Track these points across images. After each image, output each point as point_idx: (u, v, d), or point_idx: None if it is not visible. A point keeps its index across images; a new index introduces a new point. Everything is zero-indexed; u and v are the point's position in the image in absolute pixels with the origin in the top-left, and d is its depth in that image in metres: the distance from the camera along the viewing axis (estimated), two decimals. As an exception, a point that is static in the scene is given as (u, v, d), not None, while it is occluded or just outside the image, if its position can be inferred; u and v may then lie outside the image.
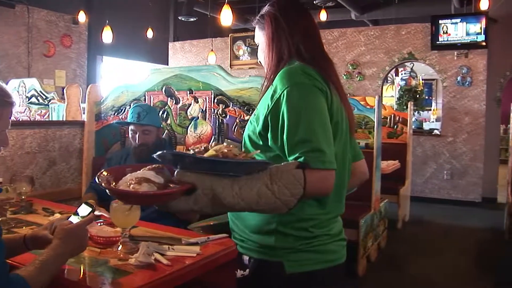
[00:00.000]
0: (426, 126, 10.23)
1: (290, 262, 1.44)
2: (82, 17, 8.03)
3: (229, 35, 10.00)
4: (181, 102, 3.25)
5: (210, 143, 1.40)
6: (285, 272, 1.44)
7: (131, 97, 3.45)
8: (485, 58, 7.76)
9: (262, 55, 1.61)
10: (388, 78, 10.21)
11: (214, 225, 1.83)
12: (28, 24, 8.42)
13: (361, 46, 8.71)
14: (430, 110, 11.85)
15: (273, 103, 1.41)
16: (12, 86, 5.45)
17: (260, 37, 1.61)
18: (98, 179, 1.36)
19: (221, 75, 3.08)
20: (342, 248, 1.55)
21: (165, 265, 1.73)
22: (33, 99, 5.36)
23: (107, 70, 10.30)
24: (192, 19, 9.51)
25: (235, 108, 3.02)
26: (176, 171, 1.28)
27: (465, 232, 6.26)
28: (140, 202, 1.57)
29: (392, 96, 11.25)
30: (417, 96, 10.00)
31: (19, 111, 5.37)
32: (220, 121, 3.08)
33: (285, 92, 1.38)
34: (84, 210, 1.64)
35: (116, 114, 3.52)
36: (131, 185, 1.29)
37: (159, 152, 1.32)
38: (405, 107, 9.05)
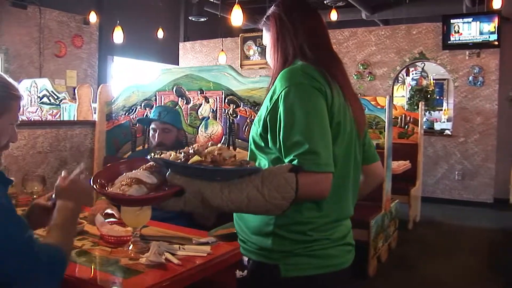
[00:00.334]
0: (437, 126, 10.15)
1: (286, 265, 1.41)
2: (93, 17, 8.07)
3: (240, 35, 10.01)
4: (191, 102, 3.25)
5: (207, 144, 1.38)
6: (280, 275, 1.41)
7: (142, 97, 3.46)
8: (497, 58, 7.69)
9: (270, 56, 1.60)
10: (399, 78, 10.16)
11: (232, 234, 1.80)
12: (40, 25, 8.48)
13: (372, 46, 8.68)
14: (441, 110, 11.76)
15: (272, 104, 1.39)
16: (24, 86, 5.49)
17: (267, 38, 1.60)
18: (93, 181, 1.38)
19: (232, 75, 3.08)
20: (346, 253, 1.50)
21: (176, 264, 1.73)
22: (45, 99, 5.39)
23: (117, 70, 10.34)
24: (202, 19, 9.52)
25: (245, 108, 3.02)
26: (167, 174, 1.28)
27: (476, 233, 6.21)
28: (129, 205, 1.58)
29: (403, 96, 11.18)
30: (428, 96, 9.94)
31: (30, 111, 5.41)
32: (230, 121, 3.08)
33: (282, 92, 1.37)
34: None
35: (127, 114, 3.53)
36: (122, 187, 1.29)
37: (149, 157, 1.34)
38: (416, 107, 8.99)
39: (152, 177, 1.32)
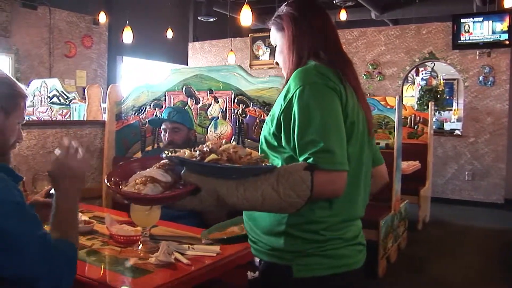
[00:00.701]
0: (447, 126, 10.09)
1: (299, 266, 1.40)
2: (102, 17, 8.10)
3: (249, 35, 10.00)
4: (201, 102, 3.26)
5: (221, 142, 1.36)
6: (293, 276, 1.40)
7: (151, 97, 3.47)
8: (508, 57, 7.63)
9: (281, 56, 1.58)
10: (409, 78, 10.11)
11: (228, 238, 1.79)
12: (50, 25, 8.52)
13: (381, 45, 8.65)
14: (451, 110, 11.69)
15: (286, 102, 1.39)
16: (34, 86, 5.52)
17: (279, 38, 1.58)
18: (107, 179, 1.35)
19: (241, 75, 3.08)
20: (358, 253, 1.50)
21: (185, 264, 1.73)
22: (55, 99, 5.41)
23: (127, 70, 10.38)
24: (211, 19, 9.53)
25: (255, 108, 3.01)
26: (182, 172, 1.27)
27: (486, 234, 6.17)
28: (144, 203, 1.55)
29: (413, 96, 11.13)
30: (438, 96, 9.88)
31: (41, 111, 5.43)
32: (240, 121, 3.08)
33: (297, 91, 1.36)
34: None
35: (136, 114, 3.54)
36: (136, 186, 1.27)
37: (164, 155, 1.32)
38: (425, 107, 8.95)
39: (167, 175, 1.30)
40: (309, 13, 1.54)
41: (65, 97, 5.37)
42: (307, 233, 1.41)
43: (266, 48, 9.72)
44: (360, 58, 8.76)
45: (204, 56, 10.79)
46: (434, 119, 7.49)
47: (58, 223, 1.41)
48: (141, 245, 1.92)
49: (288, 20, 1.54)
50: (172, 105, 3.35)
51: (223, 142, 1.34)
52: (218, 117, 3.18)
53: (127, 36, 7.94)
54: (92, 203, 3.28)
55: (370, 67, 8.67)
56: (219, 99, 3.17)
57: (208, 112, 3.23)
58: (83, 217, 2.34)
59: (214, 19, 9.54)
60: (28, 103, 1.55)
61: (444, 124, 10.13)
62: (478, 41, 7.74)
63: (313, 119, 1.32)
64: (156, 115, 3.40)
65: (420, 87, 10.28)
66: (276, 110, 1.45)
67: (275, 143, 1.45)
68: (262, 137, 1.53)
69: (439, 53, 8.14)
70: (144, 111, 3.50)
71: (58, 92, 5.42)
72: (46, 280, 1.27)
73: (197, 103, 3.27)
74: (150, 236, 1.97)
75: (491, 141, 7.79)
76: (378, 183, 1.72)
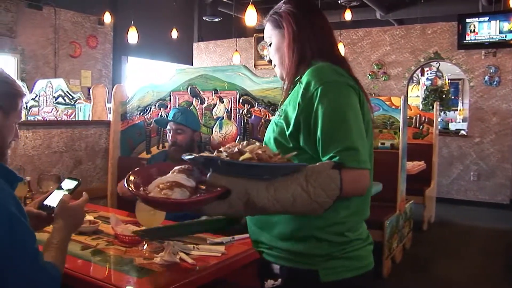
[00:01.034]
0: (452, 126, 10.08)
1: (325, 270, 1.37)
2: (107, 18, 8.11)
3: (254, 35, 9.99)
4: (206, 102, 3.26)
5: (242, 143, 1.32)
6: (320, 281, 1.37)
7: (156, 97, 3.47)
8: (514, 57, 7.62)
9: (277, 54, 1.55)
10: (414, 78, 10.10)
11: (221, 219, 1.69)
12: (55, 26, 8.55)
13: (386, 45, 8.63)
14: (457, 110, 11.68)
15: (305, 102, 1.36)
16: (40, 87, 5.53)
17: (275, 35, 1.55)
18: (128, 184, 1.30)
19: (246, 75, 3.08)
20: (370, 254, 1.49)
21: (190, 264, 1.73)
22: (60, 99, 5.43)
23: (132, 71, 10.40)
24: (216, 19, 9.54)
25: (260, 108, 3.01)
26: (208, 175, 1.21)
27: (491, 235, 6.15)
28: (172, 210, 1.49)
29: (418, 96, 11.12)
30: (443, 96, 9.86)
31: (46, 111, 5.45)
32: (245, 121, 3.08)
33: (318, 90, 1.34)
34: (68, 184, 1.68)
35: (141, 114, 3.54)
36: (162, 191, 1.22)
37: (190, 156, 1.25)
38: (431, 107, 8.93)
39: (191, 180, 1.25)
40: (309, 12, 1.52)
41: (70, 97, 5.38)
42: (333, 236, 1.38)
43: (271, 48, 9.71)
44: (365, 58, 8.75)
45: (209, 56, 10.80)
46: (439, 119, 7.47)
47: (53, 249, 1.44)
48: (146, 245, 1.93)
49: (288, 17, 1.51)
50: (177, 105, 3.35)
51: (244, 143, 1.29)
52: (223, 117, 3.18)
53: (132, 36, 7.94)
54: (97, 203, 3.29)
55: (375, 67, 8.65)
56: (224, 99, 3.17)
57: (213, 112, 3.23)
58: (88, 217, 2.34)
59: (219, 19, 9.55)
60: (25, 100, 1.55)
61: (450, 124, 10.12)
62: (483, 41, 7.71)
63: (336, 118, 1.31)
64: (161, 115, 3.40)
65: (425, 87, 10.28)
66: (291, 110, 1.41)
67: (290, 145, 1.41)
68: (268, 138, 1.49)
69: (445, 53, 8.12)
70: (149, 111, 3.50)
71: (64, 92, 5.43)
72: None
73: (202, 103, 3.27)
74: (155, 236, 1.97)
75: (496, 141, 7.76)
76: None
